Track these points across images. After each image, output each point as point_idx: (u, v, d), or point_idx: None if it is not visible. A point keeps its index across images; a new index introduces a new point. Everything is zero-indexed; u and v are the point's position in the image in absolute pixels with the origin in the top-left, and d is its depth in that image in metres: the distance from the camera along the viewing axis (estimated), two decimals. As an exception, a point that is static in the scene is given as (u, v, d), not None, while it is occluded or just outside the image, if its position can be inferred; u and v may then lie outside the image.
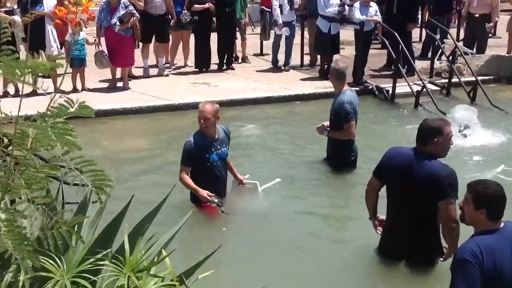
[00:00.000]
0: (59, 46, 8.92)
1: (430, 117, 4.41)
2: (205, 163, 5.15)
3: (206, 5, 10.30)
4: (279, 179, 5.86)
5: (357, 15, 9.97)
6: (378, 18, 10.22)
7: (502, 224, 3.14)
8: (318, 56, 10.99)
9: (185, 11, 10.30)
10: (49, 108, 2.09)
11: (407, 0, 10.40)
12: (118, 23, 9.12)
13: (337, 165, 6.29)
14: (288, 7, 10.56)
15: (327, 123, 6.30)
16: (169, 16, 10.18)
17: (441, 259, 4.13)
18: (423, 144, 4.11)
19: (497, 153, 7.03)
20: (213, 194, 5.05)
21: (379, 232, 4.41)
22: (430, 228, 4.15)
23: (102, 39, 9.33)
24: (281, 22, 10.61)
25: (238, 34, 11.37)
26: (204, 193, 5.04)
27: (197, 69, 10.72)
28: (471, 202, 3.15)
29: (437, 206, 4.03)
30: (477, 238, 3.08)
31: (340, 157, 6.28)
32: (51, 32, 8.76)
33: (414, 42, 11.28)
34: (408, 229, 4.14)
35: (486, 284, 2.96)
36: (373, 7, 10.16)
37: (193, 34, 10.76)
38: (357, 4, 10.09)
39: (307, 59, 11.38)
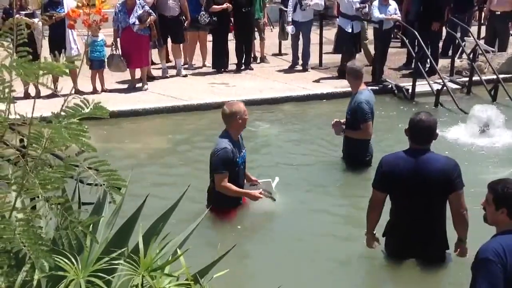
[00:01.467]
0: (79, 48, 9.01)
1: (418, 114, 4.22)
2: (235, 168, 5.03)
3: (224, 6, 10.33)
4: (277, 179, 5.69)
5: (376, 14, 9.91)
6: (398, 16, 10.14)
7: None
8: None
9: (203, 13, 10.33)
10: (64, 108, 2.12)
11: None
12: (137, 22, 9.19)
13: (353, 165, 6.26)
14: (299, 6, 10.55)
15: (343, 120, 6.29)
16: (183, 17, 10.22)
17: (456, 253, 4.10)
18: (429, 142, 4.10)
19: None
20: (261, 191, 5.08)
21: (374, 247, 4.35)
22: (438, 225, 4.14)
23: (118, 41, 9.41)
24: (290, 20, 10.66)
25: (256, 34, 11.40)
26: (257, 192, 5.05)
27: (215, 70, 10.76)
28: (492, 202, 3.11)
29: (445, 200, 4.05)
30: (500, 238, 3.04)
31: (356, 156, 6.25)
32: (71, 34, 8.86)
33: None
34: (417, 228, 4.12)
35: (509, 284, 2.91)
36: (392, 6, 10.09)
37: (210, 34, 10.80)
38: (375, 3, 10.03)
39: (325, 58, 11.33)
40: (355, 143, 6.20)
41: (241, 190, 5.06)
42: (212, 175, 5.03)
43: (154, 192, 4.90)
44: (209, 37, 10.98)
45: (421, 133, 4.09)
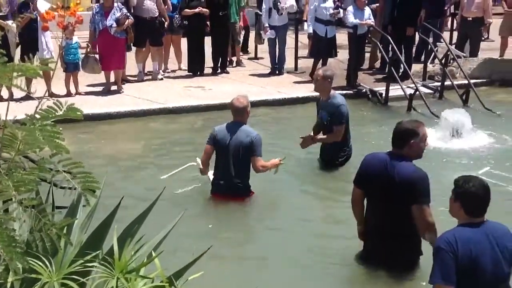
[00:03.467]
0: (52, 50, 8.93)
1: (405, 119, 4.38)
2: None
3: (196, 10, 10.33)
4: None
5: (351, 19, 10.02)
6: (371, 21, 10.27)
7: (484, 221, 3.22)
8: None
9: (177, 16, 10.37)
10: (38, 110, 2.11)
11: (409, 3, 10.37)
12: (114, 24, 9.15)
13: (327, 166, 6.46)
14: (275, 11, 10.58)
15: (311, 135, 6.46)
16: (163, 19, 10.19)
17: None
18: (399, 147, 4.11)
19: (486, 155, 7.05)
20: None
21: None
22: (408, 231, 4.10)
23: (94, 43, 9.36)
24: (267, 25, 10.68)
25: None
26: (277, 160, 5.60)
27: (191, 73, 10.75)
28: (452, 193, 3.28)
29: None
30: (455, 229, 3.22)
31: (331, 157, 6.43)
32: (44, 36, 8.77)
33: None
34: (387, 233, 4.15)
35: (464, 274, 3.08)
36: (367, 11, 10.22)
37: (186, 38, 10.80)
38: (350, 8, 10.15)
39: (301, 62, 11.41)
40: (330, 145, 6.36)
41: (271, 163, 5.58)
42: (243, 162, 5.42)
43: (129, 194, 4.90)
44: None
45: (394, 136, 4.16)
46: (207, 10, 10.40)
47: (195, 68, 10.73)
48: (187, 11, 10.34)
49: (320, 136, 6.32)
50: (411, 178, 3.97)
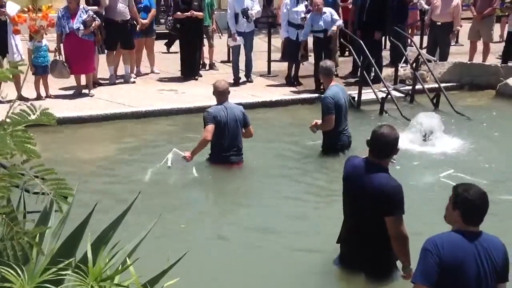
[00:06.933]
0: (22, 53, 8.76)
1: (381, 127, 4.12)
2: None
3: (188, 13, 10.29)
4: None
5: (306, 28, 10.04)
6: (338, 22, 10.16)
7: (478, 232, 3.20)
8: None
9: (170, 18, 10.41)
10: (10, 115, 2.06)
11: (377, 9, 10.47)
12: (82, 27, 9.02)
13: (326, 152, 6.95)
14: (244, 18, 10.35)
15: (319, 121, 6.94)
16: (134, 22, 10.11)
17: (402, 274, 4.02)
18: (387, 157, 4.04)
19: (452, 158, 7.13)
20: None
21: None
22: (380, 240, 4.05)
23: (61, 47, 9.22)
24: (235, 31, 10.38)
25: (205, 41, 11.40)
26: None
27: (182, 76, 10.69)
28: (451, 201, 3.25)
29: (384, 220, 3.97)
30: (446, 233, 3.22)
31: (328, 144, 6.95)
32: (14, 39, 8.60)
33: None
34: (359, 240, 4.13)
35: (446, 278, 3.10)
36: (327, 13, 10.12)
37: (179, 41, 10.82)
38: (308, 16, 10.11)
39: (274, 66, 11.42)
40: (325, 134, 6.93)
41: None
42: (240, 133, 6.48)
43: (102, 200, 4.83)
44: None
45: (377, 147, 4.03)
46: (200, 13, 10.35)
47: (190, 72, 10.65)
48: (179, 14, 10.31)
49: (318, 122, 6.84)
50: (385, 190, 3.90)
